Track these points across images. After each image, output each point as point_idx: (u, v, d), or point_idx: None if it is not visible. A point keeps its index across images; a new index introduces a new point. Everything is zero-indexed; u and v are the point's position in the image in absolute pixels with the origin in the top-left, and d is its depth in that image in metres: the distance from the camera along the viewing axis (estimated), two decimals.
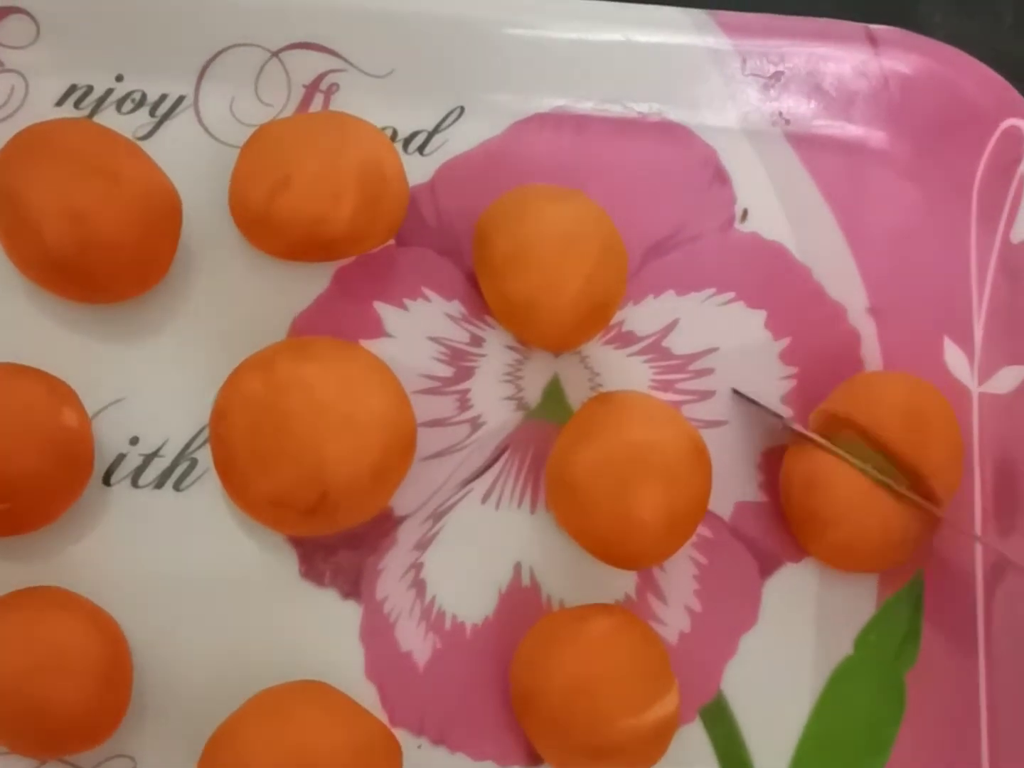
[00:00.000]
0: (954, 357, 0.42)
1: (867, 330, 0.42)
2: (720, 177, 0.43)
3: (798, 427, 0.40)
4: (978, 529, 0.41)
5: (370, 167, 0.38)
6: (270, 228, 0.38)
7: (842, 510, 0.38)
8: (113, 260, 0.38)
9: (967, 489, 0.41)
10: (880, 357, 0.42)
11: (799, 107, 0.44)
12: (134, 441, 0.39)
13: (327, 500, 0.36)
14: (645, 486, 0.37)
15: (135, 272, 0.39)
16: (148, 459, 0.39)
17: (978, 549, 0.41)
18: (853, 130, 0.44)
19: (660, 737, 0.37)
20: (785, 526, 0.40)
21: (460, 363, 0.41)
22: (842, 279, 0.43)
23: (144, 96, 0.42)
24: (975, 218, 0.43)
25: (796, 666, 0.40)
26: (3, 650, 0.34)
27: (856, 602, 0.40)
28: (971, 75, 0.43)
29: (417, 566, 0.39)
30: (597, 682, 0.36)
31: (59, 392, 0.37)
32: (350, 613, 0.39)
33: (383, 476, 0.37)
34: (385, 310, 0.41)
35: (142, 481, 0.39)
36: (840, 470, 0.38)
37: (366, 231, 0.39)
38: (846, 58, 0.44)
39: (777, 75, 0.44)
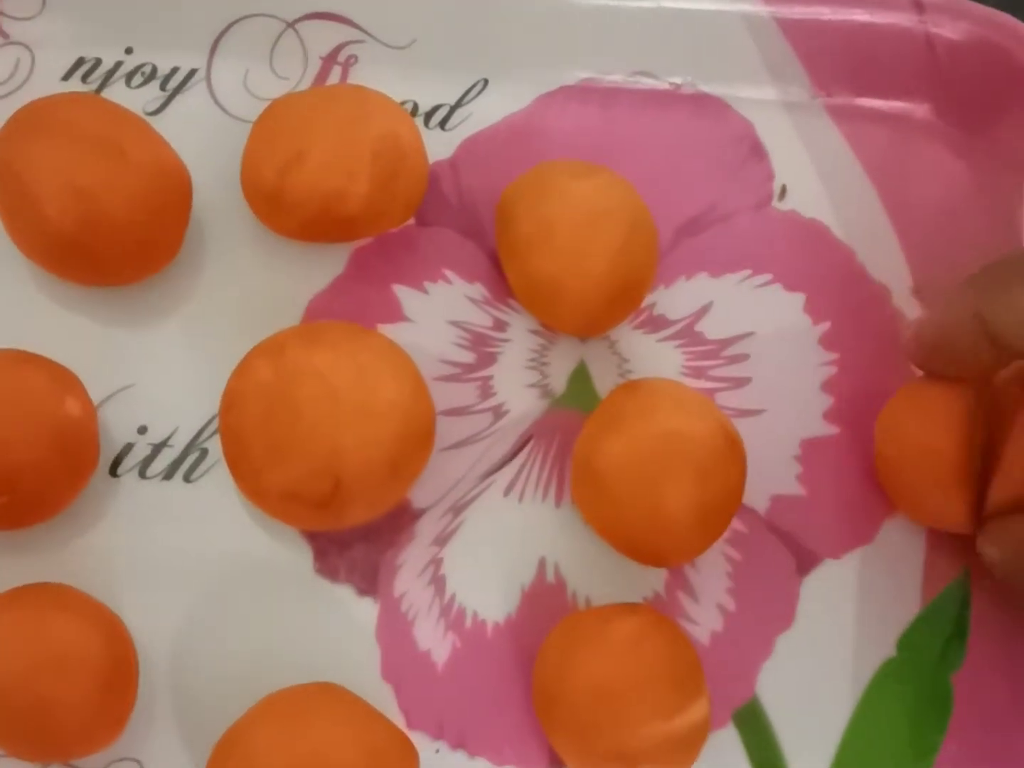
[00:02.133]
0: None
1: (912, 313, 0.40)
2: (757, 152, 0.41)
3: None
4: None
5: (388, 142, 0.37)
6: (283, 206, 0.37)
7: None
8: (120, 241, 0.36)
9: None
10: None
11: (842, 79, 0.41)
12: (142, 430, 0.38)
13: (341, 492, 0.34)
14: (676, 480, 0.35)
15: (143, 253, 0.37)
16: (157, 449, 0.38)
17: None
18: (897, 102, 0.42)
19: (690, 744, 0.35)
20: (824, 521, 0.38)
21: (482, 348, 0.39)
22: (885, 259, 0.41)
23: (154, 69, 0.40)
24: None
25: (835, 668, 0.38)
26: (4, 650, 0.33)
27: (899, 601, 0.38)
28: (1021, 41, 0.41)
29: (436, 562, 0.37)
30: (623, 686, 0.34)
31: (63, 380, 0.36)
32: (366, 611, 0.37)
33: (400, 467, 0.35)
34: (404, 293, 0.39)
35: (150, 472, 0.37)
36: None
37: (383, 209, 0.37)
38: (890, 25, 0.41)
39: (819, 44, 0.41)
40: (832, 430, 0.39)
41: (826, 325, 0.40)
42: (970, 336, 0.35)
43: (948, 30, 0.41)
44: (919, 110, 0.42)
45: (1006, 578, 0.36)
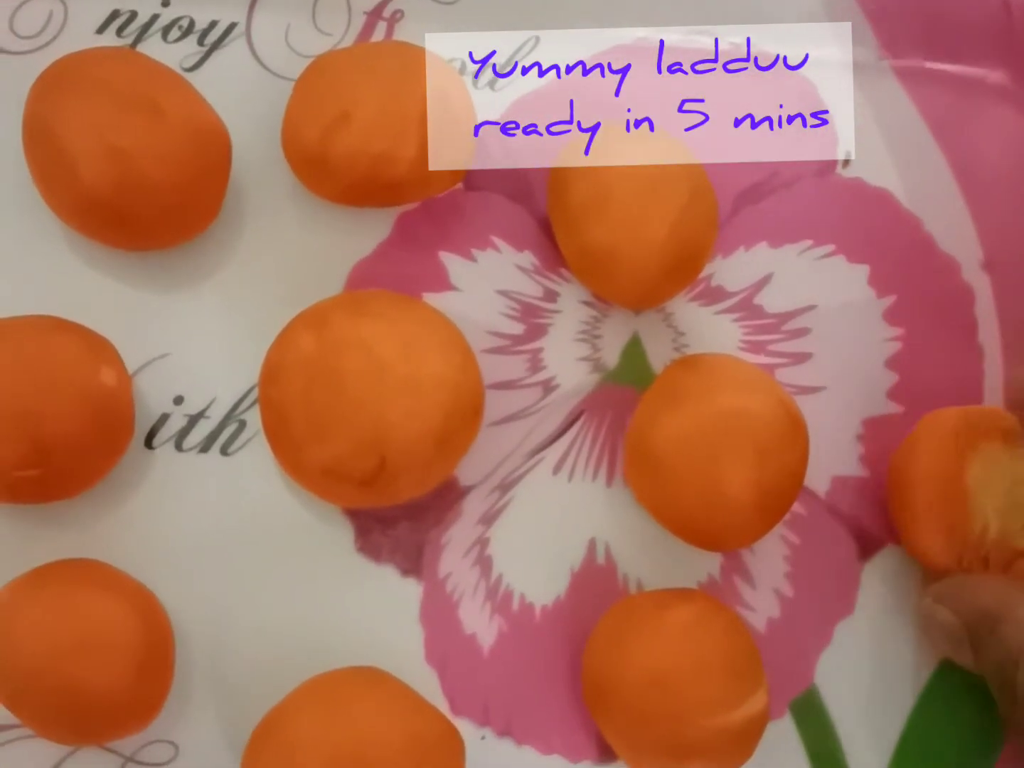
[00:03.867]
0: None
1: (982, 287, 0.39)
2: (820, 116, 0.39)
3: None
4: None
5: (436, 102, 0.35)
6: (327, 169, 0.35)
7: None
8: (156, 203, 0.35)
9: None
10: (996, 318, 0.38)
11: (911, 41, 0.40)
12: (178, 401, 0.36)
13: (386, 469, 0.33)
14: (736, 460, 0.33)
15: (180, 217, 0.36)
16: (193, 420, 0.36)
17: None
18: (969, 66, 0.40)
19: (747, 737, 0.34)
20: (884, 504, 0.37)
21: (532, 320, 0.37)
22: (954, 230, 0.39)
23: (192, 23, 0.39)
24: None
25: (897, 658, 0.37)
26: (36, 628, 0.32)
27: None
28: None
29: (483, 541, 0.36)
30: (678, 677, 0.33)
31: (98, 348, 0.35)
32: (409, 591, 0.36)
33: (447, 443, 0.34)
34: (451, 260, 0.37)
35: (186, 444, 0.36)
36: None
37: (431, 173, 0.35)
38: None
39: (885, 2, 0.39)
40: (896, 409, 0.38)
41: (891, 299, 0.38)
42: None
43: None
44: (992, 75, 0.40)
45: (954, 650, 0.34)
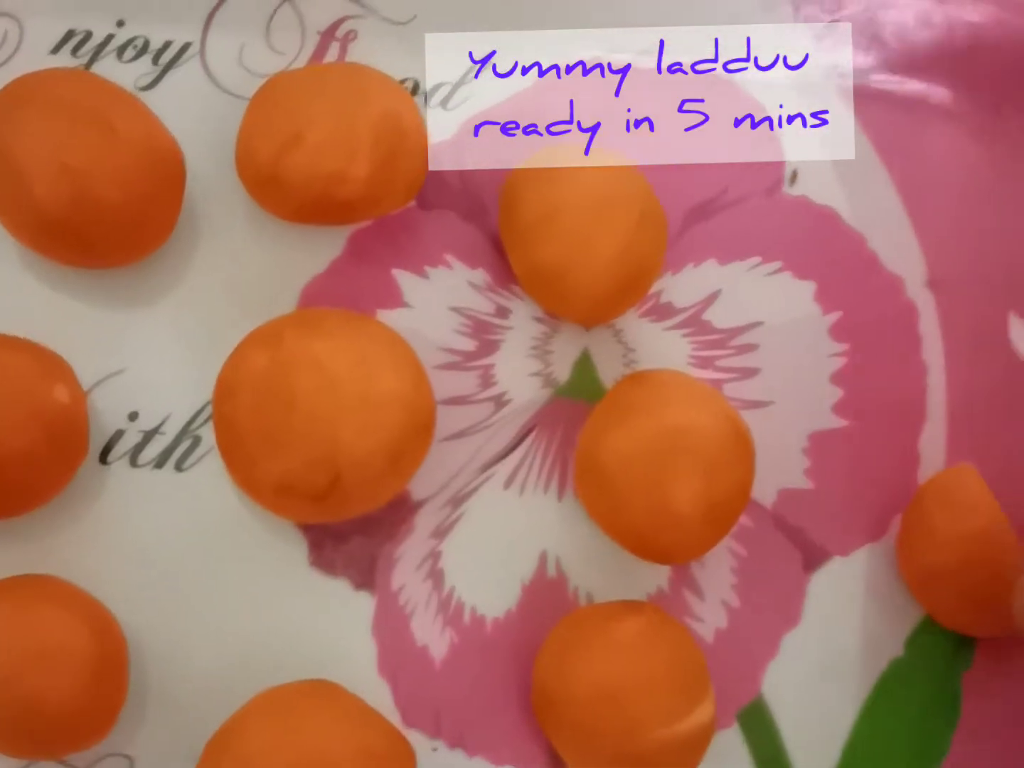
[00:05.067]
0: (1021, 335, 0.39)
1: (926, 304, 0.39)
2: (767, 135, 0.40)
3: None
4: None
5: (388, 123, 0.35)
6: (280, 188, 0.35)
7: None
8: (110, 221, 0.35)
9: None
10: (940, 334, 0.39)
11: (856, 59, 0.40)
12: (133, 417, 0.37)
13: (339, 485, 0.33)
14: (683, 475, 0.34)
15: (134, 234, 0.36)
16: (148, 436, 0.36)
17: None
18: (914, 85, 0.40)
19: (695, 747, 0.34)
20: (833, 516, 0.37)
21: (484, 336, 0.38)
22: (899, 248, 0.39)
23: (147, 43, 0.39)
24: None
25: (842, 668, 0.37)
26: None
27: (906, 599, 0.37)
28: None
29: (435, 555, 0.37)
30: (627, 688, 0.33)
31: (51, 365, 0.35)
32: (362, 605, 0.36)
33: (399, 458, 0.34)
34: (404, 278, 0.38)
35: (141, 460, 0.36)
36: None
37: (383, 192, 0.36)
38: (909, 5, 0.40)
39: (833, 23, 0.40)
40: (841, 423, 0.38)
41: (837, 315, 0.39)
42: None
43: (968, 11, 0.40)
44: (937, 93, 0.40)
45: None
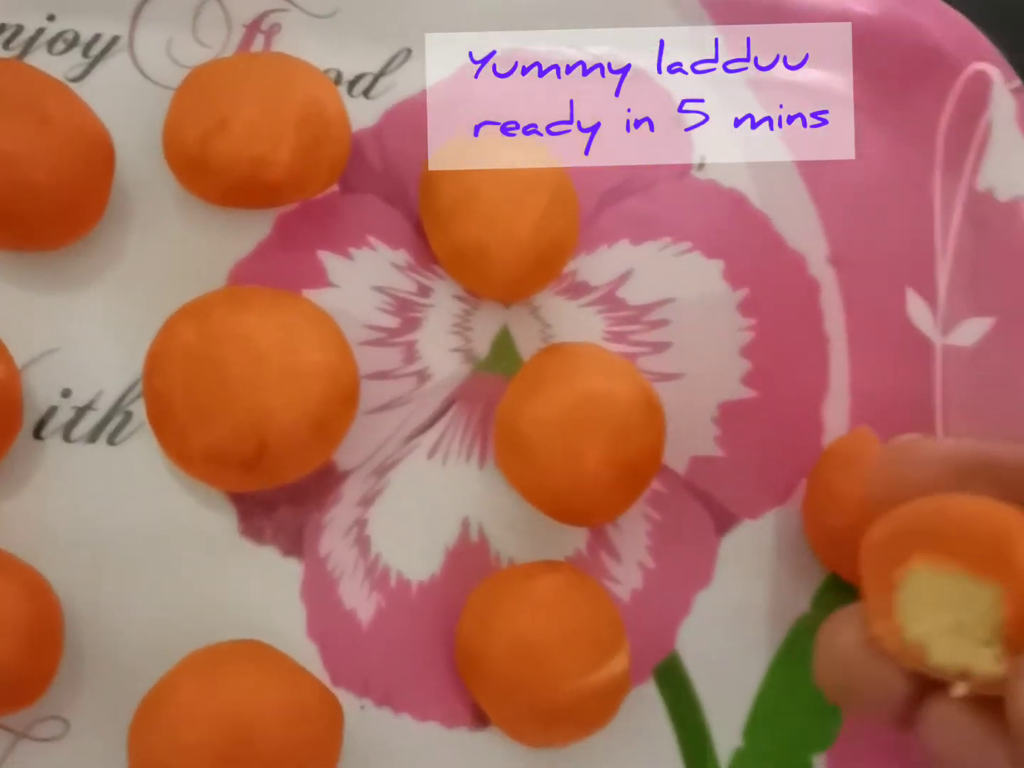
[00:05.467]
0: (917, 308, 0.41)
1: (828, 280, 0.41)
2: (677, 122, 0.42)
3: None
4: None
5: (311, 109, 0.37)
6: (206, 173, 0.37)
7: None
8: (43, 205, 0.36)
9: None
10: (841, 308, 0.41)
11: (760, 49, 0.42)
12: (66, 393, 0.38)
13: (266, 452, 0.35)
14: (595, 440, 0.36)
15: (66, 218, 0.37)
16: (81, 412, 0.38)
17: None
18: (815, 74, 0.42)
19: (611, 698, 0.36)
20: (742, 482, 0.39)
21: (406, 314, 0.39)
22: (802, 228, 0.41)
23: (77, 36, 0.40)
24: (940, 165, 0.42)
25: (752, 625, 0.39)
26: None
27: (813, 559, 0.39)
28: (936, 17, 0.42)
29: (361, 522, 0.38)
30: (544, 641, 0.35)
31: None
32: (291, 571, 0.37)
33: (324, 427, 0.36)
34: (329, 259, 0.39)
35: (74, 435, 0.38)
36: None
37: (307, 175, 0.37)
38: None
39: (737, 16, 0.42)
40: (750, 393, 0.40)
41: (744, 292, 0.41)
42: None
43: (863, 3, 0.42)
44: (836, 82, 0.42)
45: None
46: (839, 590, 0.39)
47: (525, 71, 0.41)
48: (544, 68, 0.41)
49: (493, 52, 0.41)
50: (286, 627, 0.37)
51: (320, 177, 0.38)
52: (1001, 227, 0.41)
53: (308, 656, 0.37)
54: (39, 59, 0.40)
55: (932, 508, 0.27)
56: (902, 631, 0.27)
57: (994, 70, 0.42)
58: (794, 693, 0.38)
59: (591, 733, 0.36)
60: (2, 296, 0.38)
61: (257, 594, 0.37)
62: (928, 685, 0.27)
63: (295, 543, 0.37)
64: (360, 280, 0.39)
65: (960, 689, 0.26)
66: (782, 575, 0.39)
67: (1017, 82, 0.41)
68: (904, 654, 0.27)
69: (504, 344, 0.40)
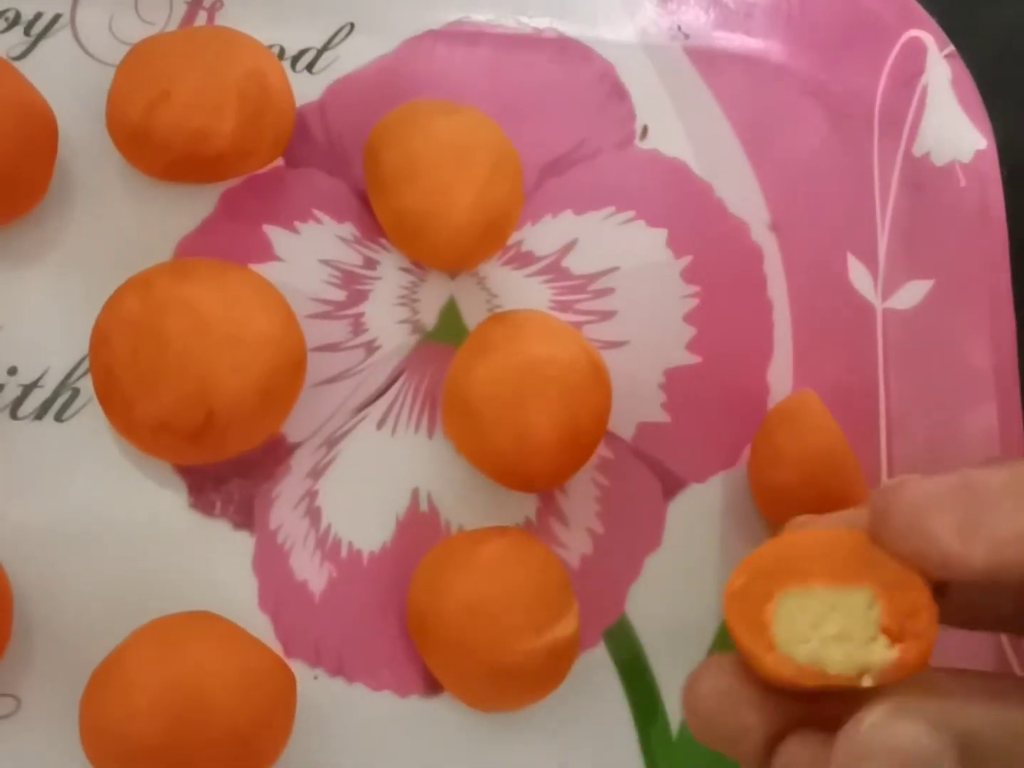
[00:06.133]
0: (858, 273, 0.42)
1: (770, 246, 0.42)
2: (618, 93, 0.42)
3: None
4: (883, 450, 0.40)
5: (253, 80, 0.37)
6: (149, 145, 0.37)
7: None
8: None
9: (871, 406, 0.41)
10: (783, 273, 0.42)
11: (698, 20, 0.43)
12: (12, 371, 0.38)
13: (214, 422, 0.35)
14: (541, 404, 0.36)
15: (9, 195, 0.37)
16: (27, 390, 0.38)
17: (883, 465, 0.40)
18: (753, 43, 0.43)
19: (560, 659, 0.36)
20: (689, 446, 0.40)
21: (353, 286, 0.40)
22: (743, 195, 0.42)
23: (18, 15, 0.40)
24: (877, 131, 0.43)
25: (700, 587, 0.39)
26: None
27: (760, 521, 0.40)
28: None
29: (312, 494, 0.38)
30: (493, 604, 0.35)
31: None
32: (242, 543, 0.38)
33: (272, 397, 0.36)
34: (274, 232, 0.40)
35: (21, 412, 0.37)
36: None
37: (250, 147, 0.38)
38: None
39: None
40: (695, 359, 0.41)
41: (688, 259, 0.41)
42: None
43: None
44: (774, 51, 0.43)
45: None
46: None
47: (467, 44, 0.42)
48: (486, 41, 0.42)
49: (436, 26, 0.42)
50: (238, 599, 0.37)
51: (264, 148, 0.38)
52: (938, 191, 0.42)
53: (261, 628, 0.37)
54: None
55: (782, 545, 0.29)
56: (792, 657, 0.28)
57: (928, 37, 0.42)
58: None
59: (541, 696, 0.36)
60: None
61: (208, 567, 0.37)
62: (783, 729, 0.29)
63: (246, 515, 0.38)
64: (306, 253, 0.40)
65: (867, 681, 0.28)
66: (730, 537, 0.40)
67: (950, 48, 0.42)
68: (804, 676, 0.28)
69: (451, 315, 0.40)
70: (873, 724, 0.26)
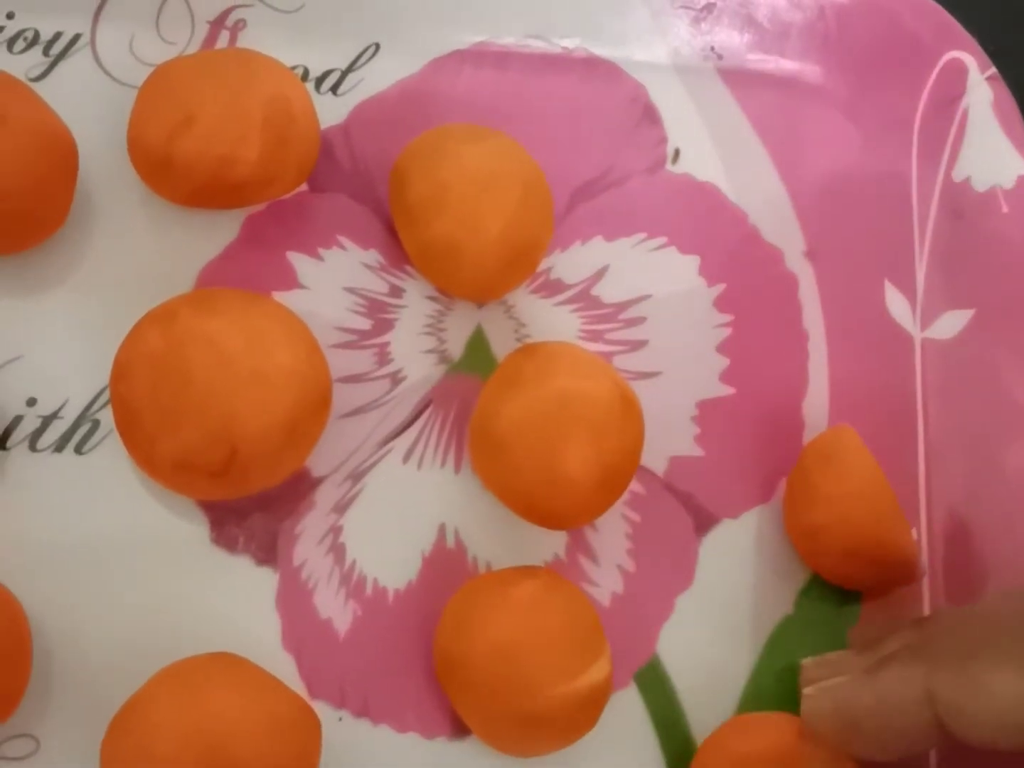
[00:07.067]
0: (896, 302, 0.41)
1: (805, 274, 0.41)
2: (650, 115, 0.41)
3: None
4: (922, 486, 0.39)
5: (277, 105, 0.36)
6: (172, 172, 0.36)
7: None
8: (4, 208, 0.35)
9: (909, 439, 0.40)
10: (819, 302, 0.41)
11: (731, 41, 0.42)
12: (31, 402, 0.37)
13: (237, 459, 0.34)
14: (573, 440, 0.35)
15: (29, 221, 0.36)
16: (47, 421, 0.37)
17: (922, 500, 0.39)
18: (788, 65, 0.42)
19: (592, 704, 0.35)
20: (722, 481, 0.39)
21: (379, 315, 0.39)
22: (778, 221, 0.41)
23: (37, 34, 0.39)
24: (916, 156, 0.42)
25: (734, 627, 0.38)
26: None
27: (795, 559, 0.39)
28: (910, 5, 0.42)
29: (336, 529, 0.37)
30: (523, 648, 0.34)
31: None
32: (265, 580, 0.37)
33: (296, 433, 0.35)
34: (298, 260, 0.39)
35: (41, 444, 0.37)
36: None
37: (275, 174, 0.37)
38: None
39: (708, 7, 0.42)
40: (728, 391, 0.40)
41: (721, 287, 0.40)
42: (911, 718, 0.31)
43: None
44: (809, 72, 0.42)
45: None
46: (822, 590, 0.39)
47: (495, 65, 0.41)
48: (514, 61, 0.41)
49: (462, 46, 0.41)
50: (261, 638, 0.36)
51: (288, 175, 0.37)
52: (979, 217, 0.41)
53: (284, 668, 0.36)
54: None
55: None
56: None
57: (969, 59, 0.41)
58: (778, 695, 0.38)
59: (572, 741, 0.35)
60: None
61: (231, 605, 0.36)
62: None
63: (269, 552, 0.37)
64: (331, 281, 0.39)
65: None
66: (764, 575, 0.39)
67: (992, 70, 0.41)
68: None
69: (478, 344, 0.39)
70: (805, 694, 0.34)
